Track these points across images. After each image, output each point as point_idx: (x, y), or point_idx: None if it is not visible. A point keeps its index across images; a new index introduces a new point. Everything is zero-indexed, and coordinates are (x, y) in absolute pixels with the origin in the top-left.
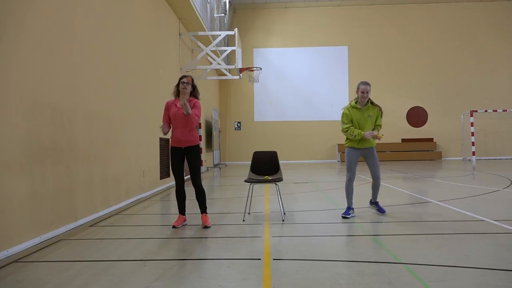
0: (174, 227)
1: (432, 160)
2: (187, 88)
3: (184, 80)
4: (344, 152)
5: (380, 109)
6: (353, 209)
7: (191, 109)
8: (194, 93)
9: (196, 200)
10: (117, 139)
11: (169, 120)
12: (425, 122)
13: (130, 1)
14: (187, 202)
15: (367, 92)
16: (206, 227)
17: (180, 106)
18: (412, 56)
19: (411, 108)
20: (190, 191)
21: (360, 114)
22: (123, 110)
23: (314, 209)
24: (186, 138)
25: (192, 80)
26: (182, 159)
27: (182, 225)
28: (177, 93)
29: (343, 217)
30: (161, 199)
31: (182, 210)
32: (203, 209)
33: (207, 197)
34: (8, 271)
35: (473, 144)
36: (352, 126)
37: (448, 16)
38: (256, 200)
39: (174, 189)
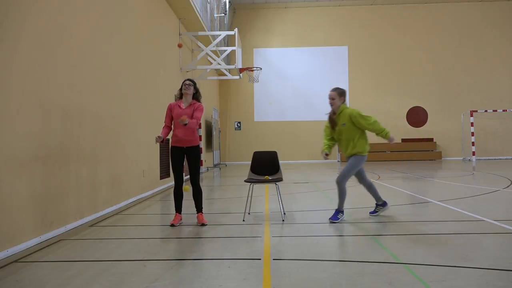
0: (172, 225)
1: (432, 160)
2: (189, 89)
3: (186, 82)
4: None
5: (351, 113)
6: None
7: (193, 112)
8: (196, 95)
9: (192, 200)
10: (117, 139)
11: (170, 122)
12: (425, 122)
13: (130, 1)
14: (185, 202)
15: (332, 98)
16: (203, 224)
17: (183, 108)
18: (412, 56)
19: (411, 108)
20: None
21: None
22: (123, 110)
23: (314, 209)
24: (188, 138)
25: (195, 83)
26: (182, 159)
27: (179, 224)
28: (181, 96)
29: (331, 222)
30: (161, 199)
31: (179, 208)
32: (199, 208)
33: (206, 197)
34: (8, 271)
35: (473, 144)
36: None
37: (448, 16)
38: (256, 200)
39: (173, 188)
